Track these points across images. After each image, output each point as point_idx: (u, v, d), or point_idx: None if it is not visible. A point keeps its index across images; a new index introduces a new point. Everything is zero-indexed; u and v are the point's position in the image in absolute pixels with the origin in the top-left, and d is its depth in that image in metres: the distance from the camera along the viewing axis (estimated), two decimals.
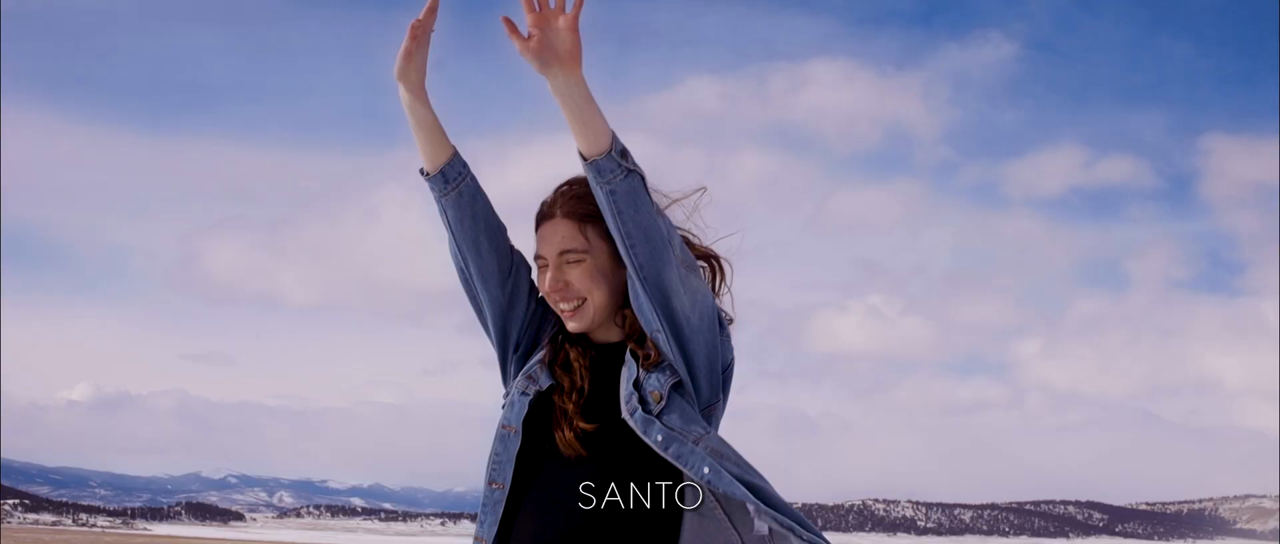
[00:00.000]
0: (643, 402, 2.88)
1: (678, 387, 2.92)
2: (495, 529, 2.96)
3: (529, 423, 2.97)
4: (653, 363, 2.93)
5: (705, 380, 2.97)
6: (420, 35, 2.90)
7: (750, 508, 2.85)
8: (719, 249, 3.11)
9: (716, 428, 3.01)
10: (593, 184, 2.82)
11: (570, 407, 2.95)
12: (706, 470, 2.83)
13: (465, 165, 3.00)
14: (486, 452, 3.03)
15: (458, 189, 2.99)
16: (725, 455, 2.87)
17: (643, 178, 2.83)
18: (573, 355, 3.03)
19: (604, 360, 3.01)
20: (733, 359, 3.06)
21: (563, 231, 2.98)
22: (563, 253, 2.97)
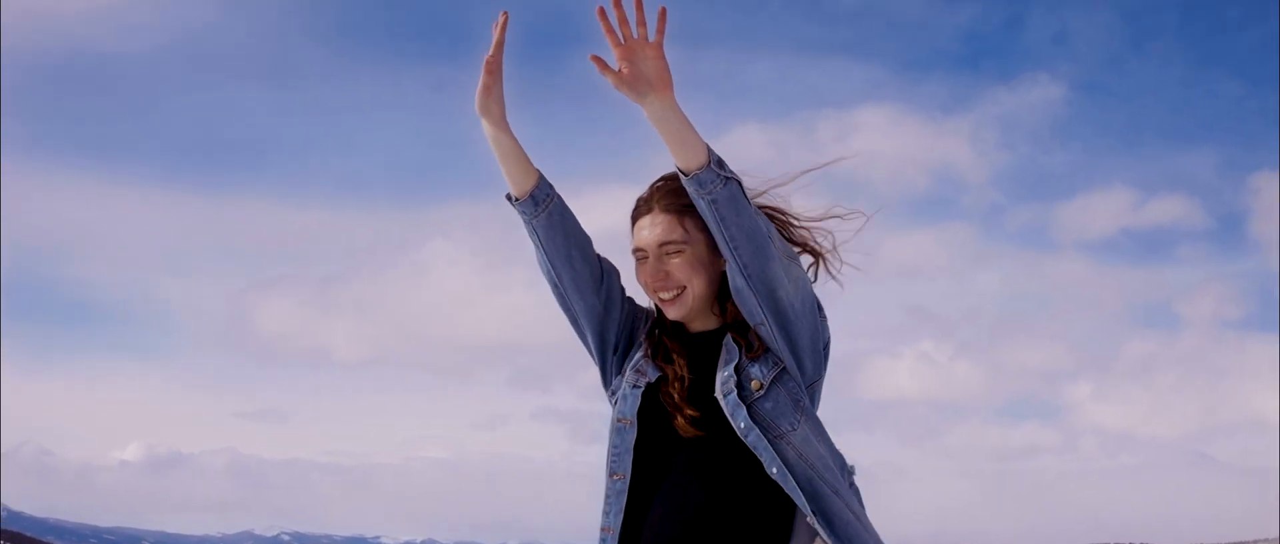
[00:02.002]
0: (740, 386, 3.02)
1: (780, 376, 3.05)
2: (621, 518, 3.09)
3: (643, 414, 3.10)
4: (757, 353, 3.07)
5: (809, 360, 3.09)
6: (494, 69, 3.02)
7: (807, 518, 2.97)
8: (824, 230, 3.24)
9: (819, 398, 3.14)
10: (694, 195, 2.92)
11: (676, 395, 3.08)
12: (774, 470, 2.96)
13: (551, 186, 3.10)
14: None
15: (547, 210, 3.09)
16: (806, 455, 2.99)
17: (740, 183, 2.94)
18: (672, 347, 3.16)
19: (702, 349, 3.14)
20: (830, 336, 3.16)
21: (662, 224, 3.11)
22: (663, 244, 3.10)
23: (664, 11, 2.82)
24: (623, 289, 3.26)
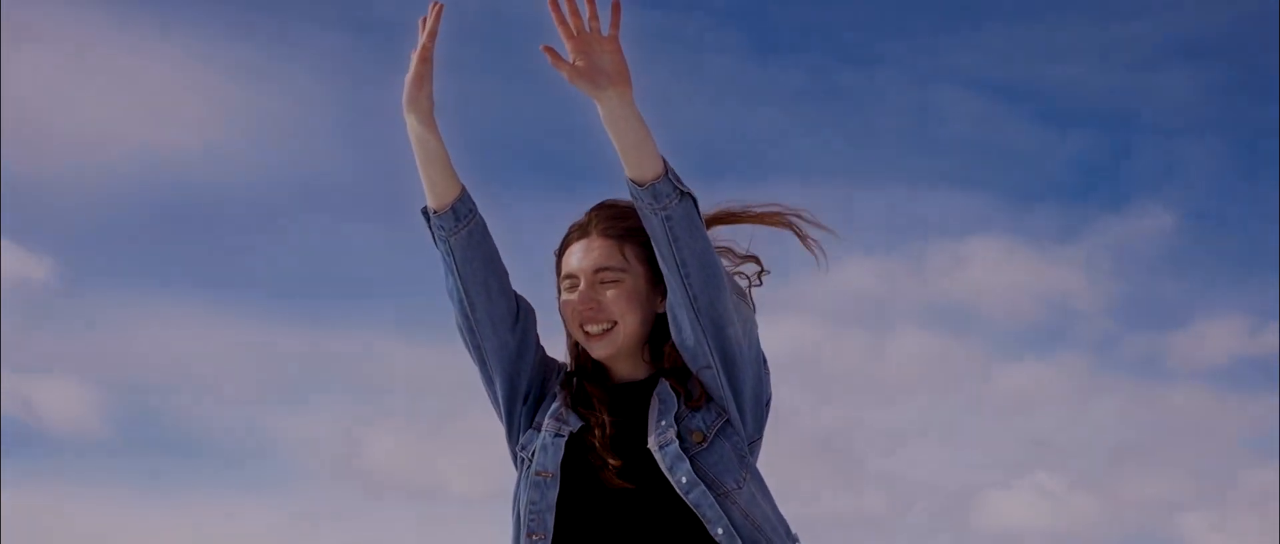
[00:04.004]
0: (680, 437, 2.67)
1: (724, 429, 2.72)
2: None
3: (566, 467, 2.73)
4: (697, 402, 2.73)
5: (751, 415, 2.77)
6: (427, 57, 2.73)
7: None
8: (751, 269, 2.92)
9: (755, 460, 2.78)
10: (646, 212, 2.62)
11: (598, 444, 2.71)
12: (720, 531, 2.63)
13: (474, 203, 2.79)
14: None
15: (468, 228, 2.77)
16: (753, 517, 2.68)
17: (695, 200, 2.64)
18: (594, 394, 2.81)
19: (627, 400, 2.79)
20: (772, 395, 2.85)
21: (599, 249, 2.78)
22: (599, 271, 2.77)
23: (617, 5, 2.55)
24: (538, 335, 2.89)
